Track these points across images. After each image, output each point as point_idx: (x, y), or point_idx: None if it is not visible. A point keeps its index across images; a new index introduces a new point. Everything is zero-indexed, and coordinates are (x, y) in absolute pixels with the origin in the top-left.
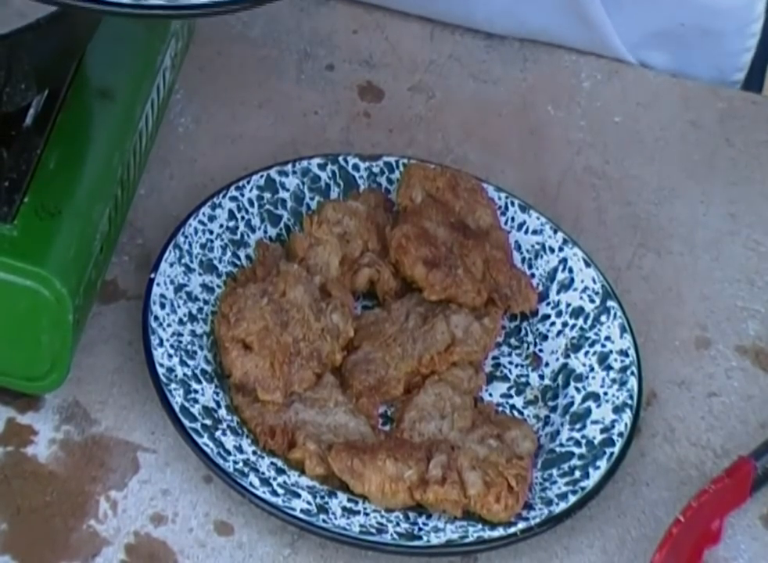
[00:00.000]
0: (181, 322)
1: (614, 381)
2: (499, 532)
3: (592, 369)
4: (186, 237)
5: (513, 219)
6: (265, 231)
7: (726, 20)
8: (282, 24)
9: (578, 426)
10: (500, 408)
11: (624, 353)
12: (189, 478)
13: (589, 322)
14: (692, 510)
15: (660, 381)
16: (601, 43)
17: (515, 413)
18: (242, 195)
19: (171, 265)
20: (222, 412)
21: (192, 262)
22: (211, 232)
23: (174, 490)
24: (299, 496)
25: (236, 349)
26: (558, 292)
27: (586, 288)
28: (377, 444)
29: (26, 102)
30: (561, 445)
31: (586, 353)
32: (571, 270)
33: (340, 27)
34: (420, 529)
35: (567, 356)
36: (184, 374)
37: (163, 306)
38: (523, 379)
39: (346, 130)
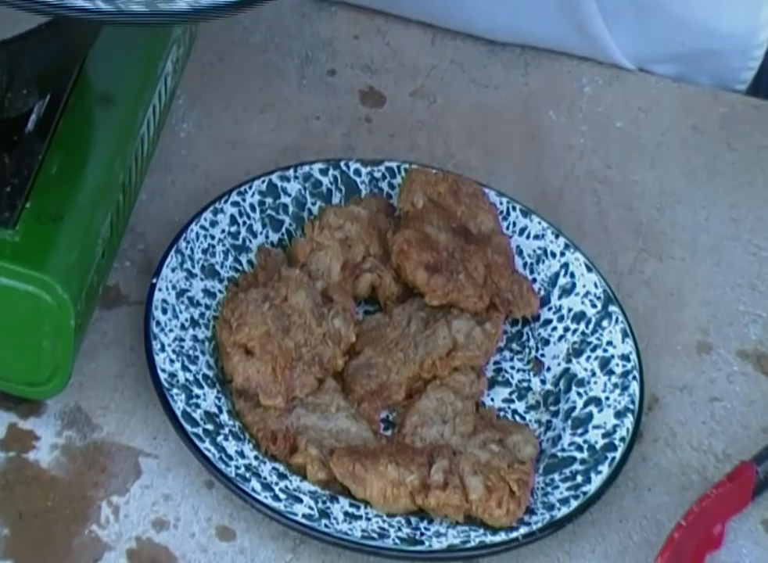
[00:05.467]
0: (182, 327)
1: (616, 385)
2: (501, 536)
3: (594, 374)
4: (188, 242)
5: (514, 224)
6: (267, 236)
7: (727, 42)
8: (284, 29)
9: (580, 431)
10: (502, 413)
11: (626, 357)
12: (191, 484)
13: (591, 327)
14: (694, 514)
15: (662, 385)
16: (602, 56)
17: (517, 418)
18: (244, 200)
19: (173, 270)
20: (224, 417)
21: (193, 267)
22: (213, 237)
23: (176, 495)
24: (300, 501)
25: (238, 354)
26: (560, 297)
27: (587, 293)
28: (379, 449)
29: (28, 107)
30: (563, 450)
31: (588, 357)
32: (572, 275)
33: (342, 33)
34: (422, 534)
35: (569, 360)
36: (186, 379)
37: (164, 311)
38: (525, 384)
39: (348, 136)
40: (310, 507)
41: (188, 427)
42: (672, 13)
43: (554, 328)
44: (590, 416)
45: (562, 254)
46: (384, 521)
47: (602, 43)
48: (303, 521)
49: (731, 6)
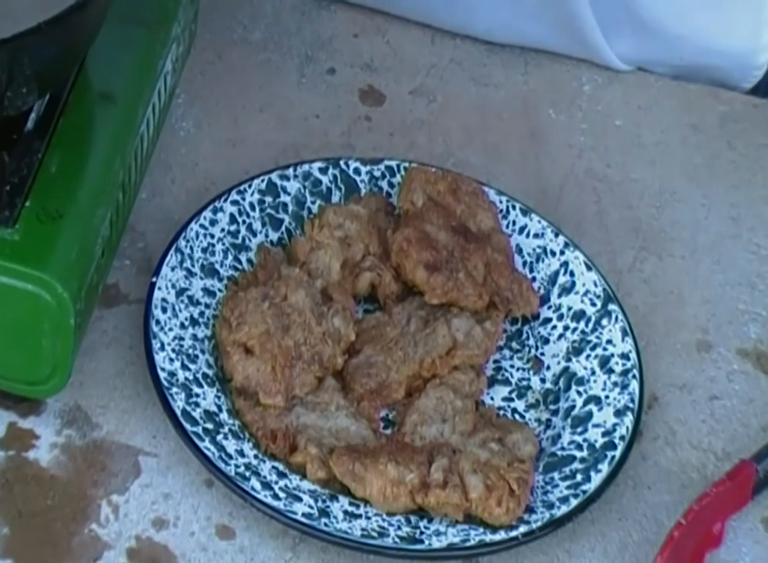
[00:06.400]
0: (182, 326)
1: (615, 384)
2: (500, 535)
3: (593, 372)
4: (187, 241)
5: (514, 222)
6: (266, 235)
7: (726, 60)
8: (283, 28)
9: (579, 429)
10: (502, 412)
11: (625, 356)
12: (191, 482)
13: (590, 325)
14: (693, 513)
15: (661, 384)
16: (600, 63)
17: (517, 416)
18: (244, 199)
19: (173, 269)
20: (223, 416)
21: (193, 266)
22: (212, 236)
23: (176, 494)
24: (300, 499)
25: (238, 353)
26: (560, 296)
27: (587, 292)
28: (378, 448)
29: (28, 106)
30: (563, 448)
31: (588, 356)
32: (572, 274)
33: (341, 31)
34: (422, 533)
35: (568, 359)
36: (186, 378)
37: (164, 310)
38: (524, 383)
39: (348, 134)
40: (310, 506)
41: (187, 426)
42: (671, 29)
43: (554, 327)
44: (590, 414)
45: (562, 253)
46: (384, 519)
47: (601, 54)
48: (303, 519)
49: (731, 27)
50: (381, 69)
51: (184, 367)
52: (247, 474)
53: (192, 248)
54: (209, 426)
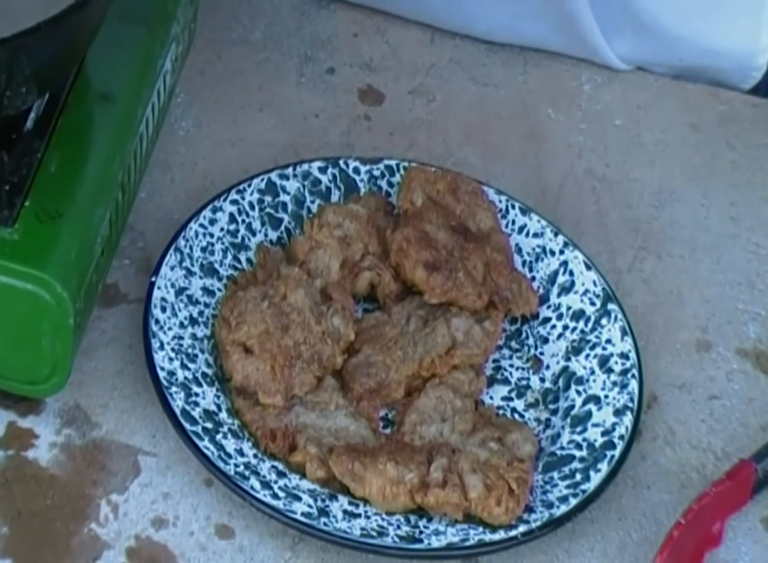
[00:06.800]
0: (181, 325)
1: (615, 384)
2: (500, 535)
3: (593, 372)
4: (187, 240)
5: (514, 222)
6: (266, 235)
7: (725, 62)
8: (283, 28)
9: (579, 429)
10: (501, 411)
11: (625, 355)
12: (190, 482)
13: (590, 325)
14: (693, 513)
15: (661, 383)
16: (600, 62)
17: (516, 416)
18: (243, 199)
19: (172, 268)
20: (223, 415)
21: (192, 265)
22: (212, 235)
23: (175, 494)
24: (300, 499)
25: (237, 353)
26: (559, 295)
27: (587, 291)
28: (378, 447)
29: (27, 105)
30: (562, 448)
31: (587, 355)
32: (572, 273)
33: (341, 31)
34: (421, 532)
35: (568, 359)
36: (185, 378)
37: (164, 309)
38: (524, 382)
39: (347, 134)
40: (309, 506)
41: (187, 425)
42: (671, 30)
43: (553, 326)
44: (589, 414)
45: (561, 252)
46: (383, 519)
47: (601, 54)
48: (302, 519)
49: (730, 28)
50: (380, 68)
51: (183, 366)
52: (246, 473)
53: (191, 247)
54: (209, 425)
